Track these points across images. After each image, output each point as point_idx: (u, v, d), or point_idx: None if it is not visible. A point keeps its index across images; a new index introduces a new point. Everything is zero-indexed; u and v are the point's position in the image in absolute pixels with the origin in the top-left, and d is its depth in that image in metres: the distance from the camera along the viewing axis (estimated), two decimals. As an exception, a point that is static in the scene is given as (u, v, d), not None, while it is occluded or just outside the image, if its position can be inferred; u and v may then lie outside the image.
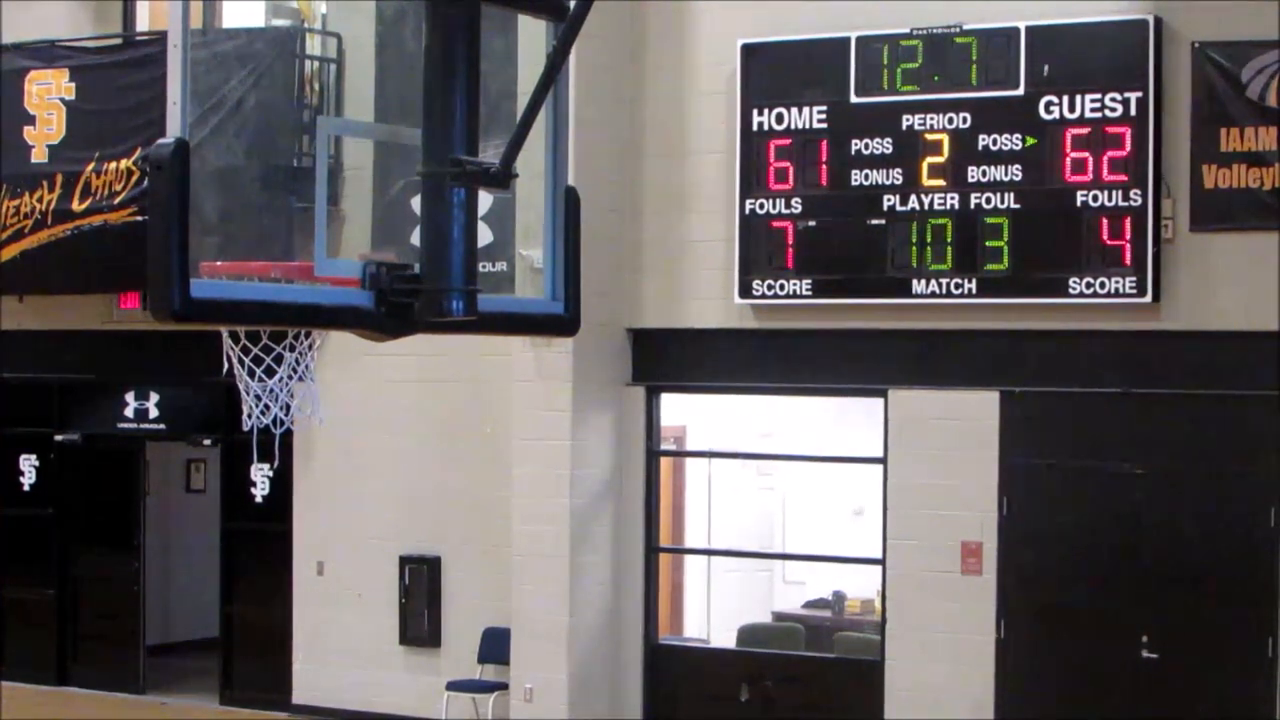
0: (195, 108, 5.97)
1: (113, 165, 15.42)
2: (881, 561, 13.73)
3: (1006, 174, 13.04)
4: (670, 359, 14.56)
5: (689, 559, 16.23)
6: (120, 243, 15.14)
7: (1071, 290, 12.83)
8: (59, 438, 17.45)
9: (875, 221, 13.45)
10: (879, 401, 13.75)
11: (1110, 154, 12.74)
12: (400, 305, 6.35)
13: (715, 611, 16.21)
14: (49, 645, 17.41)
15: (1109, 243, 12.71)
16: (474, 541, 15.09)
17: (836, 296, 13.69)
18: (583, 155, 12.79)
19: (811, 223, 13.69)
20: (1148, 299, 12.66)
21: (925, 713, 13.44)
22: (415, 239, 6.43)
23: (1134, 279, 12.65)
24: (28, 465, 17.62)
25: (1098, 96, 12.78)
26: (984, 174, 13.11)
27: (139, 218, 14.76)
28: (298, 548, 15.97)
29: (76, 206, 15.61)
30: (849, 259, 13.58)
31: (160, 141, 5.67)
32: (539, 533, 14.23)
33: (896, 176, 13.38)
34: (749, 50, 13.95)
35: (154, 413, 17.05)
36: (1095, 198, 12.77)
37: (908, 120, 13.35)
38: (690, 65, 14.40)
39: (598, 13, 6.65)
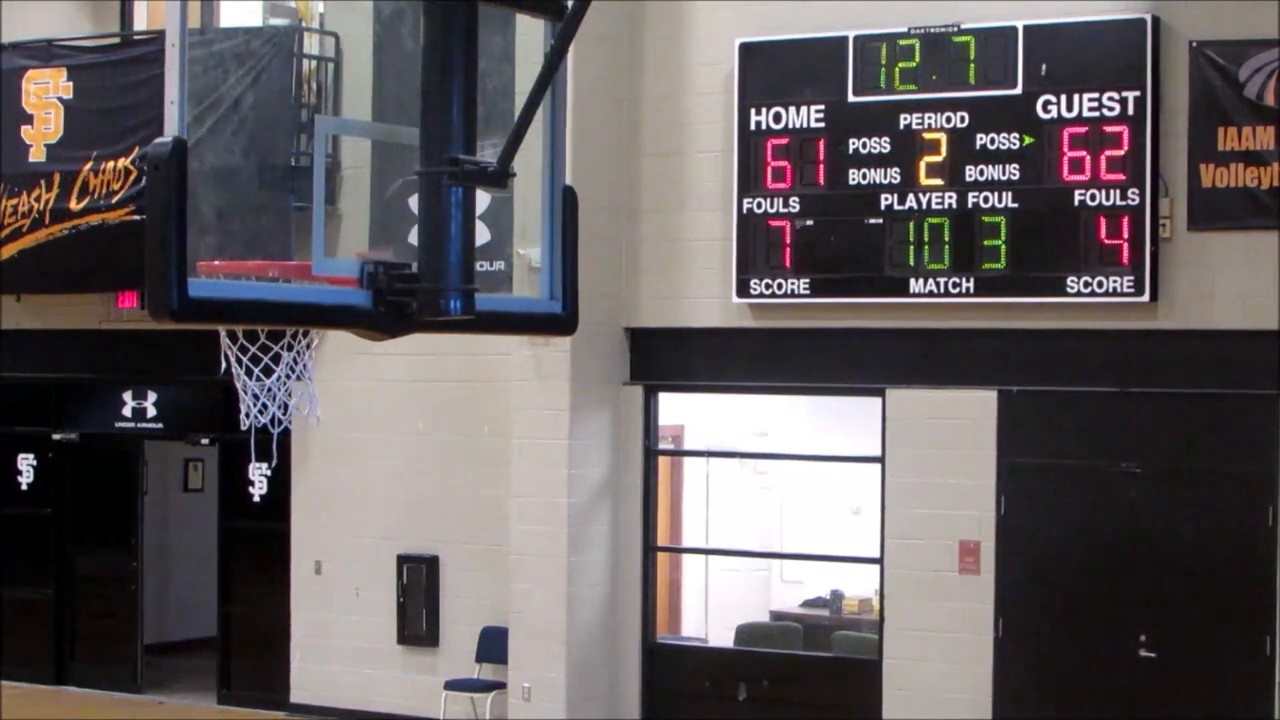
0: (193, 107, 5.96)
1: (110, 164, 15.42)
2: (879, 561, 13.74)
3: (1004, 173, 13.04)
4: (668, 358, 14.56)
5: (687, 558, 16.23)
6: (118, 242, 15.14)
7: (1069, 289, 12.84)
8: (57, 437, 17.46)
9: (873, 221, 13.46)
10: (877, 401, 13.75)
11: (1108, 153, 12.75)
12: (398, 304, 6.35)
13: (713, 610, 16.21)
14: (47, 644, 17.40)
15: (1107, 242, 12.72)
16: (472, 541, 15.09)
17: (834, 296, 13.69)
18: (581, 154, 12.83)
19: (809, 222, 13.70)
20: (1145, 298, 12.66)
21: (923, 712, 13.44)
22: (413, 238, 6.43)
23: (1132, 278, 12.66)
24: (26, 465, 17.61)
25: (1095, 96, 12.79)
26: (982, 173, 13.11)
27: (137, 217, 14.75)
28: (296, 547, 15.97)
29: (74, 206, 15.61)
30: (847, 258, 13.58)
31: (158, 141, 5.67)
32: (537, 532, 14.23)
33: (894, 175, 13.38)
34: (747, 49, 13.95)
35: (152, 412, 17.04)
36: (1093, 197, 12.77)
37: (905, 119, 13.36)
38: (688, 64, 14.40)
39: (596, 12, 6.65)
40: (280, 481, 16.05)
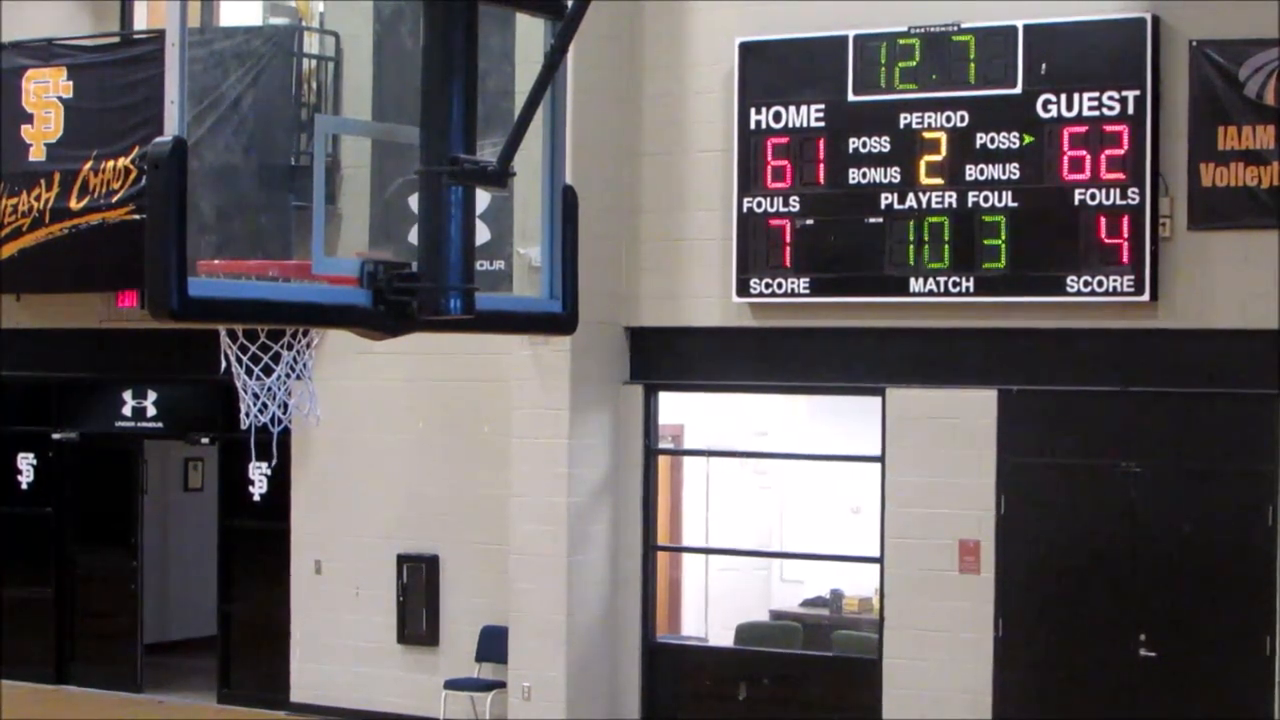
0: (193, 106, 5.96)
1: (110, 164, 15.42)
2: (879, 560, 13.74)
3: (1004, 172, 13.04)
4: (668, 357, 14.56)
5: (687, 557, 16.23)
6: (118, 241, 15.14)
7: (1069, 289, 12.84)
8: (57, 436, 17.46)
9: (873, 220, 13.46)
10: (877, 400, 13.75)
11: (1108, 152, 12.74)
12: (398, 304, 6.34)
13: (713, 610, 16.22)
14: (47, 644, 17.40)
15: (1107, 241, 12.72)
16: (472, 540, 15.09)
17: (834, 295, 13.69)
18: (580, 154, 12.81)
19: (809, 221, 13.70)
20: (1145, 297, 12.66)
21: (923, 711, 13.44)
22: (413, 237, 6.43)
23: (1131, 277, 12.66)
24: (26, 464, 17.61)
25: (1095, 95, 12.79)
26: (982, 172, 13.11)
27: (136, 216, 14.76)
28: (296, 546, 15.97)
29: (74, 205, 15.61)
30: (846, 257, 13.58)
31: (158, 140, 5.67)
32: (537, 531, 14.23)
33: (894, 175, 13.38)
34: (747, 49, 13.95)
35: (152, 411, 17.04)
36: (1093, 196, 12.77)
37: (905, 118, 13.36)
38: (688, 63, 14.40)
39: (595, 11, 6.65)
40: (280, 481, 16.05)
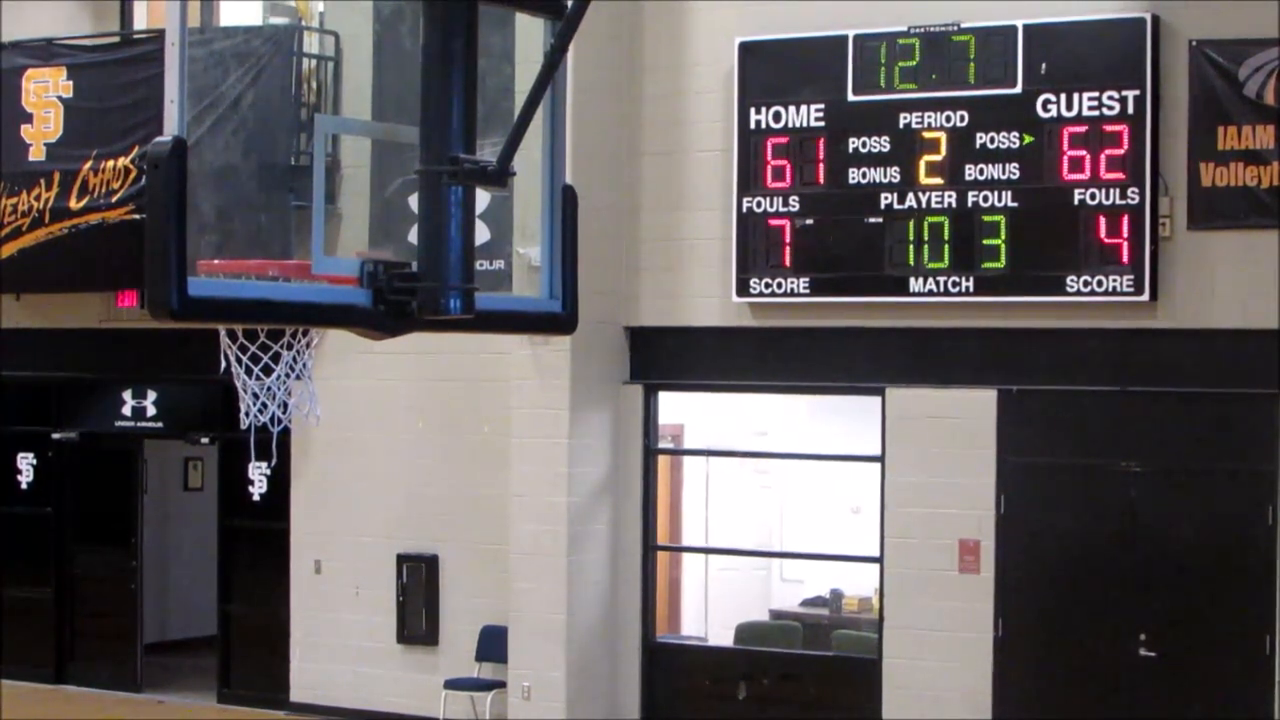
0: (193, 106, 5.96)
1: (110, 163, 15.42)
2: (879, 560, 13.74)
3: (1004, 172, 13.04)
4: (668, 357, 14.56)
5: (687, 557, 16.23)
6: (118, 241, 15.15)
7: (1069, 288, 12.84)
8: (57, 436, 17.46)
9: (873, 220, 13.46)
10: (877, 400, 13.75)
11: (1108, 152, 12.75)
12: (398, 303, 6.35)
13: (713, 609, 16.22)
14: (47, 643, 17.41)
15: (1106, 241, 12.72)
16: (472, 540, 15.09)
17: (834, 295, 13.69)
18: (580, 153, 12.82)
19: (809, 221, 13.70)
20: (1145, 297, 12.66)
21: (922, 711, 13.44)
22: (413, 237, 6.43)
23: (1131, 277, 12.66)
24: (25, 464, 17.61)
25: (1095, 95, 12.79)
26: (981, 172, 13.11)
27: (136, 216, 14.76)
28: (295, 546, 15.97)
29: (74, 205, 15.61)
30: (846, 257, 13.58)
31: (158, 140, 5.67)
32: (537, 531, 14.23)
33: (894, 175, 13.38)
34: (746, 48, 13.95)
35: (152, 411, 17.05)
36: (1093, 196, 12.77)
37: (905, 118, 13.36)
38: (688, 63, 14.40)
39: (595, 11, 6.65)
40: (280, 480, 16.05)
